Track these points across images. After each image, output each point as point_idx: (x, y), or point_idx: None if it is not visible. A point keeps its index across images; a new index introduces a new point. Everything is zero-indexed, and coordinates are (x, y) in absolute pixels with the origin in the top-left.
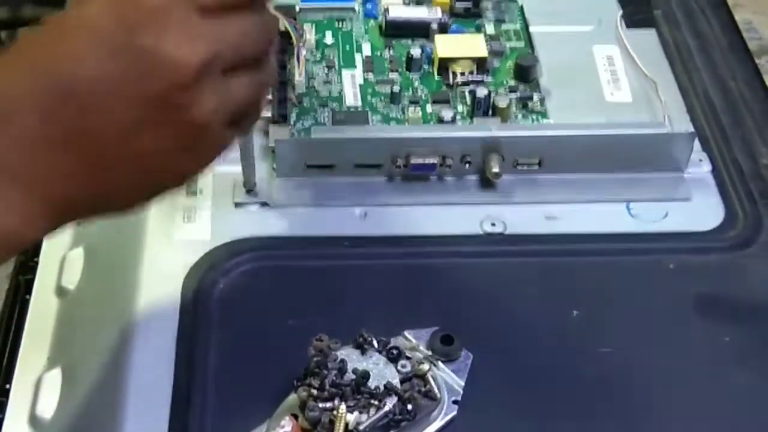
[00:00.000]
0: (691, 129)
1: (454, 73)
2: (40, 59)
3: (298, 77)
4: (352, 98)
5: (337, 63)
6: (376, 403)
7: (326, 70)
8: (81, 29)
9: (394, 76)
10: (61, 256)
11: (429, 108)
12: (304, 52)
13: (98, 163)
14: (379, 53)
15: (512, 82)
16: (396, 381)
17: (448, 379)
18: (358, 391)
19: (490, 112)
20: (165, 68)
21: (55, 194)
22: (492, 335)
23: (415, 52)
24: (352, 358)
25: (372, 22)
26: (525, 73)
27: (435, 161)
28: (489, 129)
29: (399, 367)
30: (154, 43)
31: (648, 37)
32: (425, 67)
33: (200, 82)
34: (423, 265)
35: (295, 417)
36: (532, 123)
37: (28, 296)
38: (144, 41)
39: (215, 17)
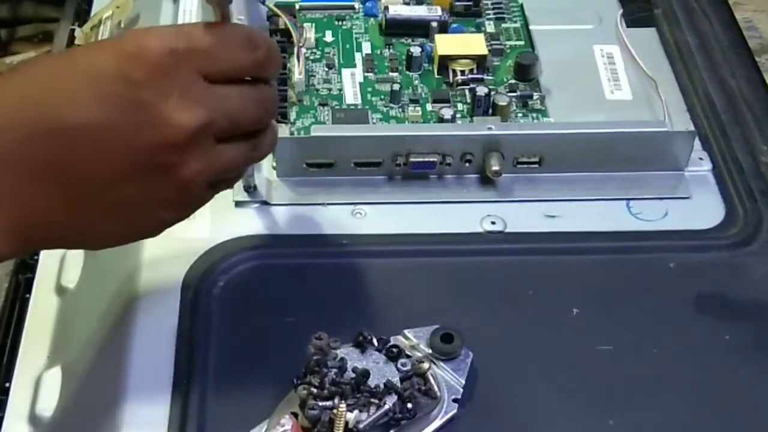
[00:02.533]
0: (692, 127)
1: (454, 72)
2: (35, 89)
3: (298, 76)
4: (352, 97)
5: (337, 61)
6: (376, 401)
7: (326, 69)
8: (84, 73)
9: (394, 74)
10: (61, 254)
11: (429, 106)
12: (304, 50)
13: (77, 202)
14: (379, 52)
15: (512, 81)
16: (396, 379)
17: (448, 378)
18: (358, 389)
19: (490, 111)
20: (160, 126)
21: (27, 220)
22: (492, 333)
23: (415, 50)
24: (352, 357)
25: (372, 20)
26: (525, 72)
27: (435, 159)
28: (489, 127)
29: (399, 366)
30: (154, 100)
31: (648, 35)
32: (425, 65)
33: (191, 145)
34: (423, 264)
35: (295, 415)
36: (532, 121)
37: (28, 295)
38: (144, 97)
39: (218, 85)
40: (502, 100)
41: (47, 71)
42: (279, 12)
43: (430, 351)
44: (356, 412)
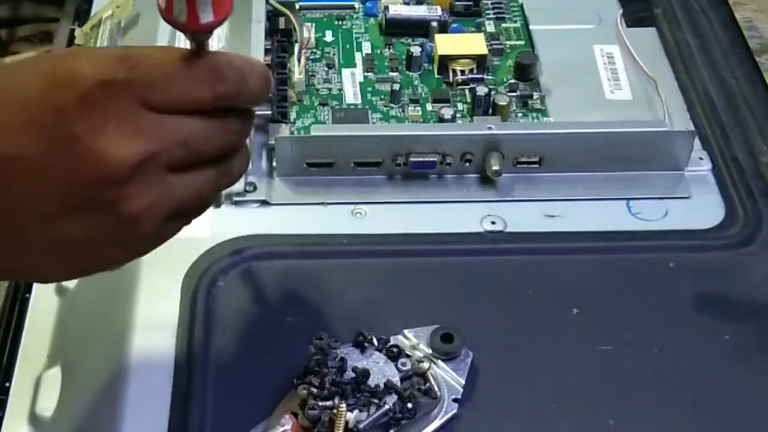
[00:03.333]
0: (692, 127)
1: (454, 72)
2: None
3: (298, 75)
4: (352, 96)
5: (337, 61)
6: (376, 401)
7: (326, 69)
8: (10, 102)
9: (394, 74)
10: None
11: (429, 106)
12: (304, 50)
13: (13, 241)
14: (379, 51)
15: (512, 81)
16: (396, 379)
17: (448, 378)
18: (358, 389)
19: (490, 111)
20: (94, 161)
21: None
22: (492, 333)
23: (415, 50)
24: (352, 357)
25: (372, 20)
26: (525, 72)
27: (435, 159)
28: (489, 127)
29: (399, 366)
30: (88, 134)
31: (648, 35)
32: (425, 65)
33: (134, 180)
34: (423, 263)
35: (295, 415)
36: (532, 121)
37: (28, 295)
38: (75, 130)
39: (171, 115)
40: (502, 100)
41: None
42: (283, 9)
43: (430, 351)
44: (356, 412)
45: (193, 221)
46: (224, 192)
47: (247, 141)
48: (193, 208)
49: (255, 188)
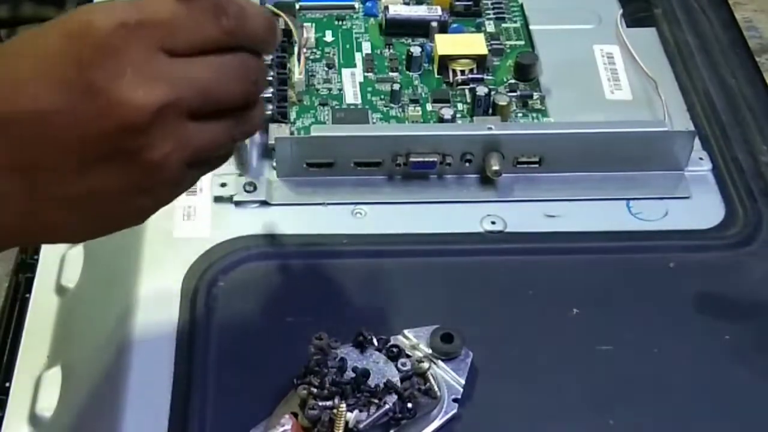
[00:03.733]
0: (692, 127)
1: (454, 72)
2: None
3: (298, 75)
4: (352, 96)
5: (337, 61)
6: (376, 401)
7: (326, 69)
8: (30, 57)
9: (394, 74)
10: (61, 254)
11: (429, 106)
12: (303, 50)
13: (39, 196)
14: (379, 51)
15: (512, 81)
16: (396, 379)
17: (448, 378)
18: (358, 389)
19: (491, 111)
20: (115, 110)
21: None
22: (492, 333)
23: (415, 50)
24: (351, 357)
25: (372, 20)
26: (525, 72)
27: (435, 159)
28: (489, 127)
29: (399, 366)
30: (107, 82)
31: (648, 35)
32: (425, 65)
33: (155, 125)
34: (423, 264)
35: (295, 415)
36: (532, 121)
37: (27, 295)
38: (95, 79)
39: (186, 59)
40: (502, 100)
41: (1, 60)
42: (279, 12)
43: (430, 351)
44: (356, 412)
45: (194, 222)
46: (236, 182)
47: (247, 142)
48: (213, 156)
49: (255, 188)
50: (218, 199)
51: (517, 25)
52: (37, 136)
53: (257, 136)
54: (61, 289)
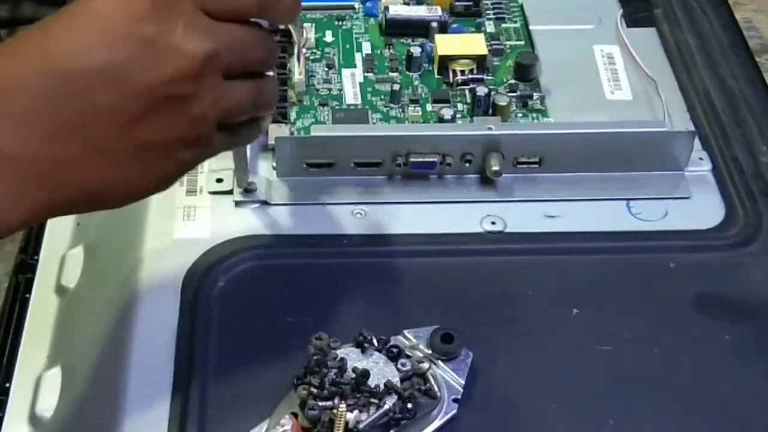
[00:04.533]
0: (692, 127)
1: (454, 72)
2: (43, 44)
3: (298, 76)
4: (352, 97)
5: (337, 61)
6: (376, 401)
7: (326, 69)
8: (86, 17)
9: (394, 74)
10: (61, 254)
11: (429, 107)
12: (304, 50)
13: (99, 151)
14: (379, 52)
15: (512, 81)
16: (396, 379)
17: (448, 378)
18: (358, 389)
19: (490, 111)
20: (170, 58)
21: (47, 180)
22: (492, 334)
23: (415, 50)
24: (351, 357)
25: (372, 20)
26: (525, 72)
27: (435, 159)
28: (489, 127)
29: (399, 366)
30: (159, 33)
31: (648, 35)
32: (425, 65)
33: (201, 75)
34: (423, 264)
35: (295, 415)
36: (532, 121)
37: (28, 295)
38: (149, 32)
39: (219, 20)
40: (502, 100)
41: (54, 25)
42: None
43: (430, 351)
44: (356, 412)
45: (194, 222)
46: (232, 178)
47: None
48: (238, 121)
49: (255, 189)
50: (215, 194)
51: (517, 25)
52: (94, 92)
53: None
54: (61, 289)
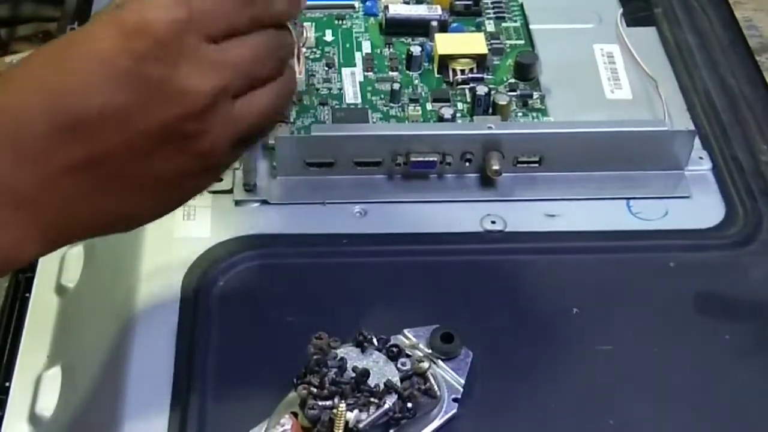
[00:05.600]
0: (692, 127)
1: (454, 71)
2: (49, 85)
3: (298, 75)
4: (352, 96)
5: (337, 61)
6: (376, 401)
7: (326, 68)
8: (90, 58)
9: (394, 74)
10: (61, 254)
11: (429, 106)
12: (304, 50)
13: (106, 188)
14: (379, 51)
15: (512, 80)
16: (396, 379)
17: (448, 377)
18: (358, 389)
19: (491, 110)
20: (176, 97)
21: (55, 219)
22: (492, 333)
23: (415, 49)
24: (351, 356)
25: (372, 19)
26: (525, 71)
27: (435, 159)
28: (489, 127)
29: (399, 365)
30: (164, 73)
31: (648, 35)
32: (425, 65)
33: (210, 110)
34: (423, 263)
35: (295, 415)
36: (532, 121)
37: (27, 294)
38: (153, 71)
39: (225, 43)
40: (502, 100)
41: (58, 64)
42: None
43: (430, 350)
44: (356, 411)
45: (194, 222)
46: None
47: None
48: (259, 130)
49: (255, 188)
50: (215, 194)
51: (517, 24)
52: (98, 132)
53: None
54: (61, 289)
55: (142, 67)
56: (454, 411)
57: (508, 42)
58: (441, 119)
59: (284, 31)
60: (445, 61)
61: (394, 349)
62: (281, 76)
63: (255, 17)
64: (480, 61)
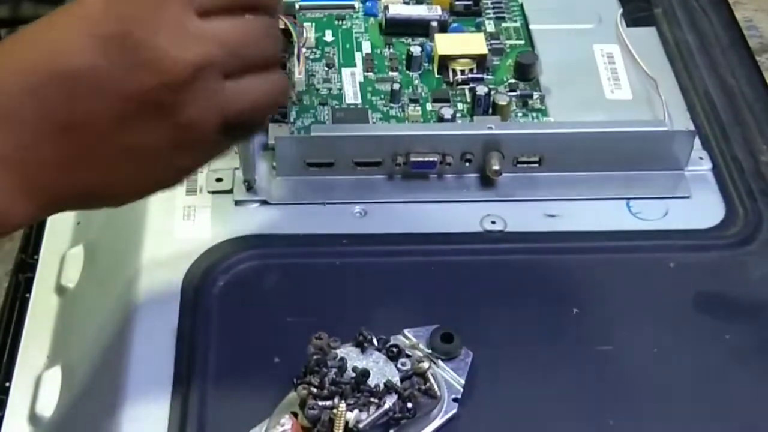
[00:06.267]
0: (692, 127)
1: (454, 71)
2: (33, 46)
3: (298, 75)
4: (352, 96)
5: (337, 61)
6: (376, 401)
7: (326, 68)
8: (74, 17)
9: (394, 74)
10: (61, 254)
11: (429, 106)
12: (304, 50)
13: (87, 153)
14: (379, 51)
15: (512, 80)
16: (396, 379)
17: (448, 377)
18: (358, 389)
19: (491, 110)
20: (156, 65)
21: (42, 180)
22: (492, 333)
23: (415, 50)
24: (351, 357)
25: (372, 20)
26: (525, 71)
27: (435, 159)
28: (489, 127)
29: (399, 365)
30: (148, 37)
31: (648, 35)
32: (425, 65)
33: (194, 83)
34: (423, 263)
35: (295, 415)
36: (532, 121)
37: (28, 294)
38: (138, 35)
39: (215, 19)
40: (502, 100)
41: (44, 26)
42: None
43: (430, 351)
44: (356, 411)
45: (194, 222)
46: (232, 177)
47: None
48: (249, 120)
49: (255, 188)
50: (215, 194)
51: (517, 24)
52: (78, 93)
53: (257, 137)
54: (61, 289)
55: (125, 29)
56: (454, 411)
57: (508, 42)
58: (441, 119)
59: (275, 22)
60: (445, 61)
61: (394, 349)
62: (277, 68)
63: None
64: (480, 61)
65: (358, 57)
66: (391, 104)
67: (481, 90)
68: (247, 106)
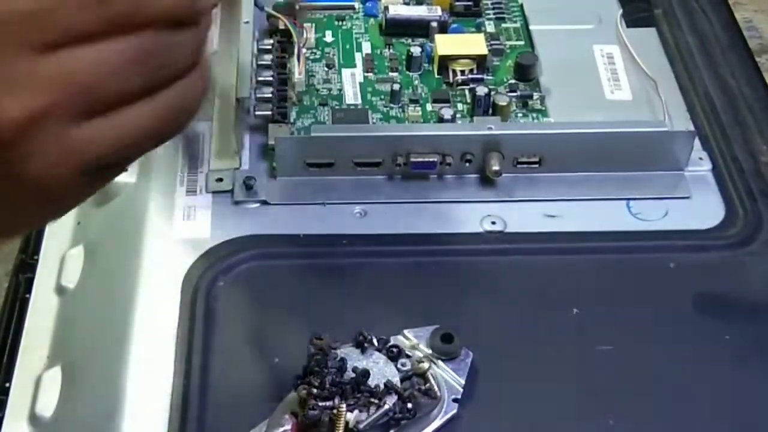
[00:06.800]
0: (692, 127)
1: (454, 72)
2: None
3: (298, 76)
4: (352, 97)
5: (337, 61)
6: (376, 401)
7: (326, 69)
8: None
9: (394, 74)
10: (61, 254)
11: (429, 106)
12: (304, 50)
13: None
14: (379, 52)
15: (512, 81)
16: (396, 379)
17: (448, 378)
18: (358, 389)
19: (490, 111)
20: None
21: None
22: (492, 333)
23: (415, 50)
24: (351, 357)
25: (372, 20)
26: (525, 72)
27: (435, 159)
28: (489, 127)
29: (399, 366)
30: None
31: (648, 35)
32: (425, 65)
33: (33, 136)
34: (423, 264)
35: (295, 415)
36: (532, 121)
37: (27, 295)
38: None
39: (68, 51)
40: (502, 100)
41: None
42: (277, 15)
43: (430, 351)
44: (356, 412)
45: (194, 222)
46: (232, 177)
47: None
48: (119, 156)
49: (254, 188)
50: (215, 194)
51: (517, 25)
52: None
53: (257, 137)
54: (61, 289)
55: None
56: (454, 411)
57: (508, 43)
58: (441, 120)
59: (177, 30)
60: (445, 61)
61: (394, 350)
62: (166, 89)
63: (109, 18)
64: (480, 61)
65: (358, 57)
66: (391, 105)
67: (481, 90)
68: (109, 148)
